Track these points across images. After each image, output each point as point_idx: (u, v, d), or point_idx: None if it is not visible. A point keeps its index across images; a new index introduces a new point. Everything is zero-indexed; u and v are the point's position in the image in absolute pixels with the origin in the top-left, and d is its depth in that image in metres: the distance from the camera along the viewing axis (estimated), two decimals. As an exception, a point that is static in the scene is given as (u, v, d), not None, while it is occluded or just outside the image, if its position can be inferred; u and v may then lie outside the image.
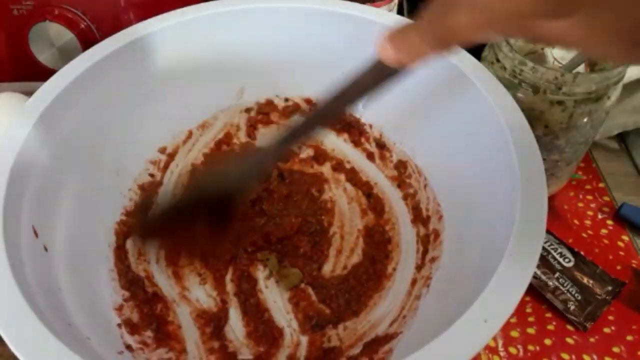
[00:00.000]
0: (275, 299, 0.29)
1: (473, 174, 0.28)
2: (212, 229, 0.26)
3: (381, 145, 0.35)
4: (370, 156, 0.36)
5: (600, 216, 0.35)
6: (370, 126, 0.36)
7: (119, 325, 0.26)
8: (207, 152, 0.36)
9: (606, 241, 0.34)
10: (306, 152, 0.37)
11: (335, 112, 0.23)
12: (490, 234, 0.24)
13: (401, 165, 0.34)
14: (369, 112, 0.36)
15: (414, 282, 0.29)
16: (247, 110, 0.37)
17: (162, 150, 0.35)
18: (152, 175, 0.34)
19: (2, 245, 0.22)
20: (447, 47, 0.17)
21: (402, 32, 0.18)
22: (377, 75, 0.20)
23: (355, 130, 0.36)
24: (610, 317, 0.30)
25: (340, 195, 0.35)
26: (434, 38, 0.17)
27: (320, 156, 0.36)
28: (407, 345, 0.25)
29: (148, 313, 0.28)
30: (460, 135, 0.29)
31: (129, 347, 0.25)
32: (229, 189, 0.25)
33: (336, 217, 0.33)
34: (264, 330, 0.28)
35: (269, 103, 0.37)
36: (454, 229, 0.29)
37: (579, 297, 0.30)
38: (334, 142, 0.37)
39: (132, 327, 0.27)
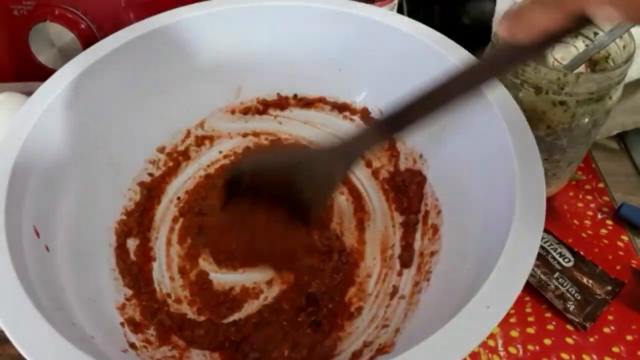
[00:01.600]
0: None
1: (472, 170, 0.28)
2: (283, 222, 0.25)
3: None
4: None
5: (599, 216, 0.35)
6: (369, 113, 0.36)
7: (122, 324, 0.27)
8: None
9: (606, 241, 0.34)
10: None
11: (462, 95, 0.22)
12: (490, 227, 0.24)
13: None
14: (369, 102, 0.36)
15: (416, 284, 0.29)
16: (246, 109, 0.37)
17: (161, 150, 0.35)
18: (151, 174, 0.34)
19: (4, 245, 0.22)
20: (571, 16, 0.16)
21: (522, 5, 0.18)
22: (508, 55, 0.20)
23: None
24: (610, 317, 0.30)
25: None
26: (557, 6, 0.16)
27: None
28: (409, 338, 0.25)
29: (151, 310, 0.28)
30: (460, 133, 0.29)
31: (132, 345, 0.26)
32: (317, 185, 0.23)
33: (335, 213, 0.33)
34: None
35: (267, 101, 0.37)
36: (453, 223, 0.29)
37: (579, 297, 0.30)
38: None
39: (135, 326, 0.27)
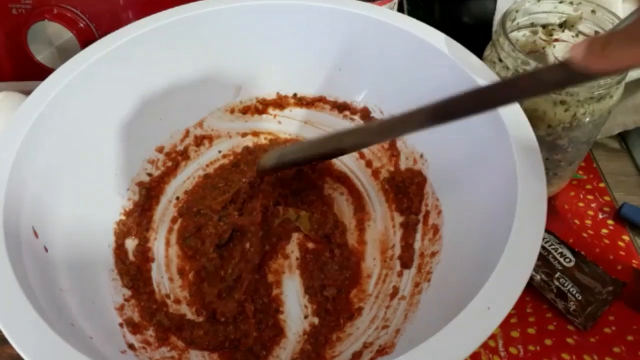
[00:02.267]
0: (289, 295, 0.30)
1: (473, 171, 0.28)
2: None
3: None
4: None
5: (601, 216, 0.35)
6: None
7: (121, 325, 0.26)
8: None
9: (607, 241, 0.34)
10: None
11: (498, 105, 0.23)
12: (491, 228, 0.24)
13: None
14: (369, 101, 0.36)
15: (416, 284, 0.29)
16: (245, 109, 0.37)
17: (160, 150, 0.35)
18: (150, 174, 0.34)
19: (3, 246, 0.22)
20: None
21: (607, 38, 0.17)
22: (566, 76, 0.19)
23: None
24: (611, 318, 0.30)
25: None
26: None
27: None
28: (410, 339, 0.25)
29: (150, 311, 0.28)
30: (461, 132, 0.29)
31: (131, 347, 0.25)
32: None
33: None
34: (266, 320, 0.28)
35: (267, 101, 0.37)
36: (454, 224, 0.29)
37: (580, 298, 0.30)
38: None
39: (134, 327, 0.27)
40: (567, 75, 0.19)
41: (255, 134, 0.37)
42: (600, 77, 0.20)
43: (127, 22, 0.31)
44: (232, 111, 0.37)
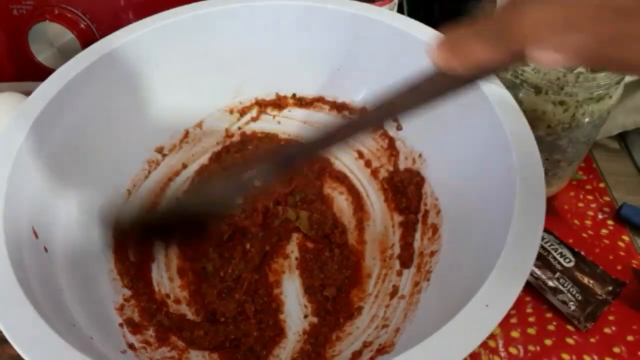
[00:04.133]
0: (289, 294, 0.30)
1: (472, 170, 0.28)
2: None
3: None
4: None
5: (600, 216, 0.35)
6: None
7: (121, 325, 0.26)
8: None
9: (606, 241, 0.34)
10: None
11: (382, 120, 0.22)
12: (490, 227, 0.24)
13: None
14: (368, 101, 0.36)
15: (416, 284, 0.29)
16: (244, 109, 0.37)
17: (160, 150, 0.35)
18: (149, 174, 0.34)
19: (3, 246, 0.22)
20: (510, 53, 0.15)
21: (459, 34, 0.16)
22: (435, 85, 0.18)
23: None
24: (611, 317, 0.30)
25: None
26: (497, 40, 0.15)
27: None
28: (409, 338, 0.25)
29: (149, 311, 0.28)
30: (460, 132, 0.29)
31: (131, 346, 0.25)
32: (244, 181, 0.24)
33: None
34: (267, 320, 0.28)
35: (266, 101, 0.37)
36: (453, 223, 0.29)
37: (580, 297, 0.30)
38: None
39: (134, 326, 0.27)
40: (443, 82, 0.18)
41: (255, 134, 0.37)
42: (470, 80, 0.18)
43: (128, 22, 0.32)
44: (231, 111, 0.37)
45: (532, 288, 0.30)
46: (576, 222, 0.35)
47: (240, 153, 0.35)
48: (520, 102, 0.27)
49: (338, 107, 0.36)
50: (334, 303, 0.29)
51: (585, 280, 0.30)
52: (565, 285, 0.30)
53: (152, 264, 0.31)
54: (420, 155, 0.33)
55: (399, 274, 0.30)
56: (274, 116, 0.37)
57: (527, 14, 0.14)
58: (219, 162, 0.35)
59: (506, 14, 0.15)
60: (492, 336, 0.29)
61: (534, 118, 0.28)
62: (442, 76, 0.18)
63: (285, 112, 0.37)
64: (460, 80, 0.18)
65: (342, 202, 0.34)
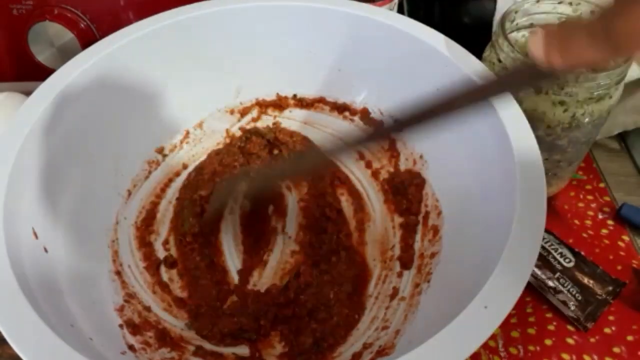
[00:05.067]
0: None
1: (472, 171, 0.28)
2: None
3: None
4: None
5: (600, 216, 0.35)
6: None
7: (121, 326, 0.26)
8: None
9: (607, 241, 0.34)
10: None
11: (461, 109, 0.21)
12: (490, 228, 0.24)
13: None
14: (369, 102, 0.36)
15: (416, 285, 0.29)
16: (244, 109, 0.37)
17: (160, 151, 0.35)
18: (149, 175, 0.34)
19: (3, 246, 0.22)
20: (616, 54, 0.15)
21: (567, 30, 0.16)
22: (527, 75, 0.19)
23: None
24: (611, 317, 0.30)
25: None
26: (604, 41, 0.14)
27: None
28: (409, 340, 0.25)
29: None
30: (461, 133, 0.29)
31: (131, 348, 0.25)
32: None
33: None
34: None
35: (267, 102, 0.37)
36: (453, 224, 0.29)
37: (580, 297, 0.30)
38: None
39: (134, 328, 0.27)
40: (531, 76, 0.18)
41: (255, 135, 0.37)
42: (560, 76, 0.19)
43: (128, 22, 0.32)
44: (232, 112, 0.37)
45: (532, 288, 0.30)
46: (576, 222, 0.35)
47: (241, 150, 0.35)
48: (520, 102, 0.27)
49: (339, 107, 0.36)
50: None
51: (585, 280, 0.31)
52: (565, 285, 0.30)
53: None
54: (421, 157, 0.33)
55: (400, 275, 0.30)
56: (275, 117, 0.37)
57: (634, 17, 0.14)
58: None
59: (613, 15, 0.14)
60: (492, 336, 0.29)
61: (534, 118, 0.28)
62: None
63: (286, 112, 0.37)
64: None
65: (342, 203, 0.34)
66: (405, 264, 0.30)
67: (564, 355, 0.28)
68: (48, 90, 0.28)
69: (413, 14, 0.42)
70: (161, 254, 0.31)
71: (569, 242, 0.33)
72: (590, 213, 0.35)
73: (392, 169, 0.34)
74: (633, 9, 0.14)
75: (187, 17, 0.32)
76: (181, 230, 0.31)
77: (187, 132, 0.36)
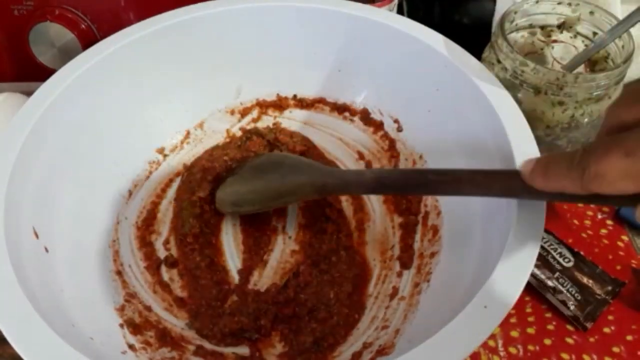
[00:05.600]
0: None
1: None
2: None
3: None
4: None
5: (599, 216, 0.35)
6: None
7: (121, 326, 0.26)
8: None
9: (606, 241, 0.34)
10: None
11: (447, 192, 0.24)
12: (490, 228, 0.24)
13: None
14: (369, 102, 0.36)
15: (416, 284, 0.29)
16: (244, 110, 0.37)
17: (160, 151, 0.35)
18: (150, 175, 0.34)
19: (4, 246, 0.22)
20: (586, 189, 0.16)
21: (551, 159, 0.18)
22: (507, 186, 0.21)
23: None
24: (610, 317, 0.30)
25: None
26: (580, 176, 0.16)
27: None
28: (409, 339, 0.25)
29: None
30: (460, 133, 0.29)
31: (131, 347, 0.25)
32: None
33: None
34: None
35: (267, 102, 0.37)
36: (453, 224, 0.29)
37: (579, 297, 0.30)
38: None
39: (134, 327, 0.27)
40: (515, 187, 0.20)
41: (255, 135, 0.37)
42: (544, 198, 0.21)
43: (129, 23, 0.32)
44: (232, 112, 0.37)
45: (532, 288, 0.30)
46: (575, 222, 0.35)
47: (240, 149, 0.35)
48: (519, 102, 0.28)
49: (339, 108, 0.37)
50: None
51: (585, 280, 0.31)
52: (565, 285, 0.30)
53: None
54: (420, 157, 0.33)
55: (399, 275, 0.30)
56: (275, 117, 0.37)
57: (607, 161, 0.15)
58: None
59: (589, 154, 0.16)
60: (491, 336, 0.29)
61: (533, 118, 0.28)
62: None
63: (286, 113, 0.37)
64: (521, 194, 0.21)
65: (342, 203, 0.34)
66: (405, 263, 0.30)
67: (564, 355, 0.29)
68: (49, 90, 0.28)
69: (412, 15, 0.42)
70: (162, 253, 0.31)
71: (569, 242, 0.33)
72: (590, 213, 0.35)
73: None
74: (609, 152, 0.15)
75: (187, 17, 0.32)
76: (182, 231, 0.31)
77: (188, 133, 0.36)
